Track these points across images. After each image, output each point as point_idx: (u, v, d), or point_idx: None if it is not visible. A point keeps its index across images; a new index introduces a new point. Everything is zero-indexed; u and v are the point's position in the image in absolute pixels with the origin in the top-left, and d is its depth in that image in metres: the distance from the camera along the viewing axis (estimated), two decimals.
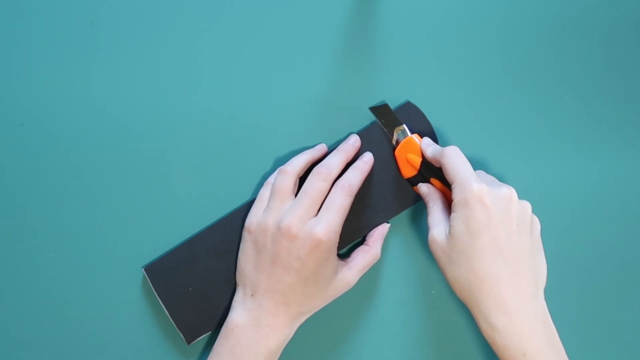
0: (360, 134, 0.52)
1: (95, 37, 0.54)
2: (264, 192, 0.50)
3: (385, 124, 0.52)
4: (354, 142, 0.51)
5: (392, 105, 0.53)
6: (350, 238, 0.52)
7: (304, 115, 0.54)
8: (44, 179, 0.53)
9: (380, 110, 0.52)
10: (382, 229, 0.51)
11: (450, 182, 0.46)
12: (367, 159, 0.51)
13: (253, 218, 0.49)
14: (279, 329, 0.47)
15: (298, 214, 0.46)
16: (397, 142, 0.51)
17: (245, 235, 0.49)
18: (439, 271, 0.53)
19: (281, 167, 0.49)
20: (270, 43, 0.54)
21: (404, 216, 0.53)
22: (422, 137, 0.51)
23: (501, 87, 0.54)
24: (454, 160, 0.46)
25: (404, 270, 0.53)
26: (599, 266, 0.53)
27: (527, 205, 0.46)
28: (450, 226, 0.45)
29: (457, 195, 0.45)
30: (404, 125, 0.51)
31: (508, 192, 0.45)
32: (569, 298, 0.53)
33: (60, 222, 0.52)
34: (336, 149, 0.51)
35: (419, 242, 0.53)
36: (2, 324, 0.52)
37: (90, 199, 0.52)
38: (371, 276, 0.52)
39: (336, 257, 0.48)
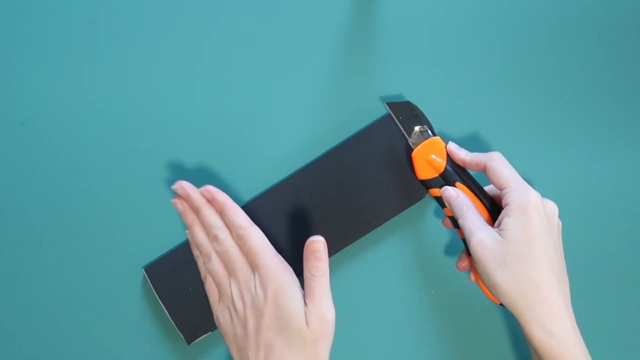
0: (360, 133, 0.52)
1: (95, 37, 0.54)
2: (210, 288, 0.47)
3: (402, 121, 0.51)
4: (212, 190, 0.47)
5: None
6: (351, 238, 0.52)
7: (304, 115, 0.54)
8: (44, 179, 0.53)
9: (400, 106, 0.51)
10: (313, 245, 0.44)
11: (499, 186, 0.46)
12: (212, 189, 0.46)
13: (224, 327, 0.45)
14: None
15: (239, 290, 0.44)
16: (415, 142, 0.51)
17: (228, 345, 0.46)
18: (439, 271, 0.53)
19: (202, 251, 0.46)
20: (271, 43, 0.54)
21: (404, 216, 0.53)
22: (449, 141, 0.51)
23: (501, 87, 0.54)
24: (505, 165, 0.47)
25: (404, 270, 0.53)
26: (600, 266, 0.53)
27: (559, 221, 0.47)
28: (503, 230, 0.45)
29: (513, 199, 0.45)
30: (426, 126, 0.51)
31: (554, 205, 0.46)
32: None
33: (60, 222, 0.52)
34: (199, 205, 0.47)
35: (418, 242, 0.53)
36: (2, 323, 0.52)
37: (90, 198, 0.53)
38: (372, 276, 0.52)
39: (296, 296, 0.43)
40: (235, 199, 0.52)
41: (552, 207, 0.46)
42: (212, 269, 0.46)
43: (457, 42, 0.55)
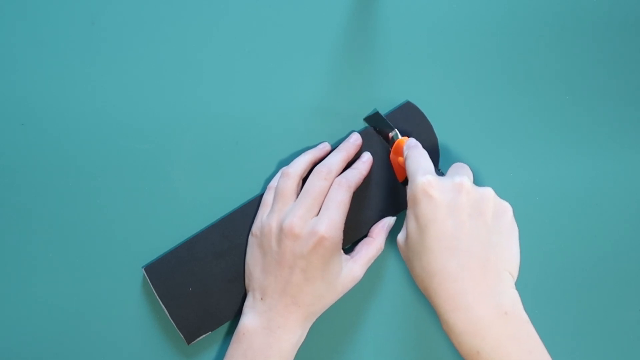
0: (361, 133, 0.52)
1: (96, 37, 0.54)
2: (268, 197, 0.50)
3: (380, 132, 0.52)
4: (354, 140, 0.51)
5: (392, 105, 0.53)
6: (351, 238, 0.52)
7: (304, 115, 0.54)
8: (44, 179, 0.53)
9: (373, 118, 0.53)
10: (387, 222, 0.51)
11: None
12: (366, 159, 0.51)
13: (258, 222, 0.50)
14: (291, 330, 0.47)
15: (299, 214, 0.47)
16: (391, 146, 0.51)
17: (251, 239, 0.50)
18: None
19: (283, 169, 0.50)
20: (271, 43, 0.54)
21: (404, 215, 0.52)
22: (409, 138, 0.51)
23: (501, 87, 0.54)
24: (410, 160, 0.46)
25: (405, 269, 0.53)
26: (599, 266, 0.53)
27: (485, 192, 0.43)
28: (406, 225, 0.45)
29: (407, 193, 0.44)
30: (396, 130, 0.51)
31: (458, 180, 0.43)
32: (568, 298, 0.53)
33: (60, 222, 0.52)
34: (337, 148, 0.51)
35: None
36: (2, 324, 0.52)
37: (91, 199, 0.52)
38: (373, 274, 0.52)
39: (341, 253, 0.48)
40: (235, 199, 0.53)
41: (455, 185, 0.43)
42: (284, 183, 0.49)
43: (457, 42, 0.55)
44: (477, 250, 0.41)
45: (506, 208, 0.44)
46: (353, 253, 0.50)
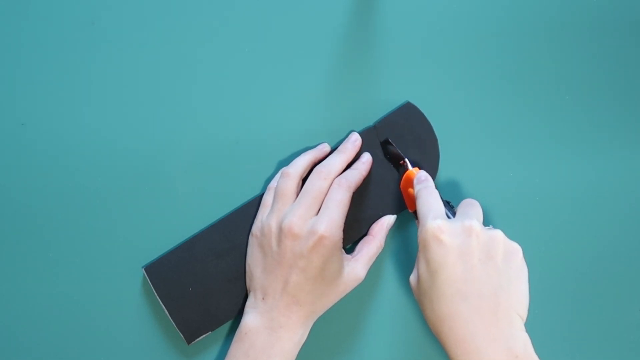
0: (361, 133, 0.52)
1: (96, 37, 0.54)
2: (267, 197, 0.50)
3: (390, 159, 0.52)
4: (354, 140, 0.51)
5: (392, 105, 0.53)
6: (352, 237, 0.52)
7: (304, 115, 0.54)
8: (44, 179, 0.53)
9: (383, 145, 0.52)
10: (387, 220, 0.51)
11: None
12: (366, 159, 0.51)
13: (258, 222, 0.50)
14: (293, 330, 0.47)
15: (299, 213, 0.47)
16: (401, 176, 0.51)
17: (252, 240, 0.50)
18: None
19: (283, 170, 0.50)
20: (271, 44, 0.54)
21: (404, 215, 0.53)
22: (420, 168, 0.51)
23: (501, 87, 0.54)
24: (421, 202, 0.46)
25: (405, 269, 0.53)
26: (599, 266, 0.53)
27: (495, 235, 0.43)
28: (418, 269, 0.45)
29: (418, 235, 0.45)
30: (407, 159, 0.51)
31: (468, 224, 0.43)
32: (568, 298, 0.53)
33: (60, 222, 0.52)
34: (337, 149, 0.51)
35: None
36: (1, 324, 0.52)
37: (91, 198, 0.52)
38: (373, 274, 0.52)
39: (342, 252, 0.48)
40: (235, 199, 0.53)
41: (465, 229, 0.43)
42: (284, 183, 0.49)
43: (458, 43, 0.55)
44: (487, 294, 0.42)
45: (516, 250, 0.44)
46: (354, 253, 0.50)
